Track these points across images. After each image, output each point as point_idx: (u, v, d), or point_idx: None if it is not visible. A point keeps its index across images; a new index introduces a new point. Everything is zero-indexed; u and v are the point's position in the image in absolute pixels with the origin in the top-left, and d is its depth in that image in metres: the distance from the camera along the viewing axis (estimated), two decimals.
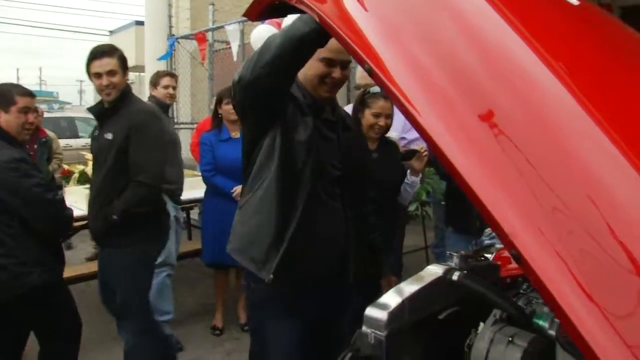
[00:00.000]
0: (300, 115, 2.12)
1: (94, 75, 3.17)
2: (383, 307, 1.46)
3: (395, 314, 1.45)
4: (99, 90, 3.19)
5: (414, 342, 1.51)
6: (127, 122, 3.13)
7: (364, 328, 1.46)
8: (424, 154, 3.34)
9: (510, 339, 1.33)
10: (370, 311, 1.46)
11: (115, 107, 3.20)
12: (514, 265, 2.12)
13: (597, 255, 0.92)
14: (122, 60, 3.24)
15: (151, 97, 4.60)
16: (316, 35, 1.78)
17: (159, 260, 4.17)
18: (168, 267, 4.26)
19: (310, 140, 2.10)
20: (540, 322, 1.47)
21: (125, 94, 3.23)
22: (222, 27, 7.67)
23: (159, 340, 3.53)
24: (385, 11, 1.32)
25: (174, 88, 4.66)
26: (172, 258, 4.33)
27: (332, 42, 1.83)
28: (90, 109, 3.48)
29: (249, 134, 2.19)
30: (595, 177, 0.97)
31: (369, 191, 2.53)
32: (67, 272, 3.65)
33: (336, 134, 2.24)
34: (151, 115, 3.34)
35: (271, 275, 2.07)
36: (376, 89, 3.26)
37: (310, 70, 2.11)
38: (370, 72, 1.14)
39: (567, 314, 0.89)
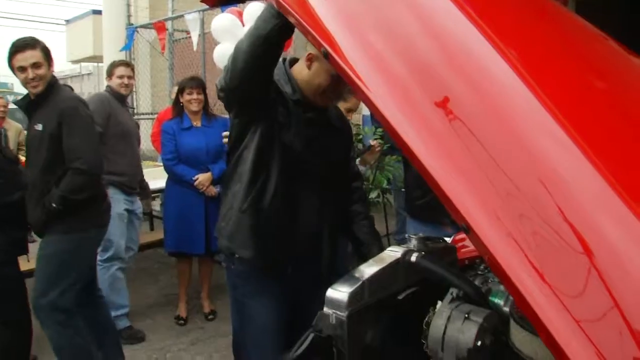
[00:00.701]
0: (284, 110, 2.16)
1: (18, 69, 3.12)
2: (344, 288, 1.49)
3: (356, 295, 1.48)
4: (25, 83, 3.14)
5: (375, 321, 1.54)
6: (57, 111, 3.10)
7: (325, 309, 1.49)
8: (377, 149, 3.42)
9: (466, 315, 1.37)
10: (331, 292, 1.49)
11: (42, 99, 3.16)
12: (471, 247, 2.19)
13: (546, 234, 0.96)
14: (46, 51, 3.19)
15: (107, 87, 4.52)
16: (279, 30, 1.82)
17: (108, 254, 4.19)
18: (118, 261, 4.28)
19: (289, 135, 2.15)
20: (496, 300, 1.53)
21: (52, 85, 3.19)
22: (181, 16, 7.60)
23: (80, 337, 3.33)
24: None
25: (130, 78, 4.55)
26: (122, 251, 4.32)
27: None
28: (16, 103, 3.44)
29: (236, 125, 2.22)
30: (546, 162, 1.01)
31: (353, 184, 2.56)
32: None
33: (320, 131, 2.26)
34: (79, 102, 3.30)
35: (247, 252, 2.17)
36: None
37: (317, 78, 2.15)
38: (327, 55, 1.16)
39: (519, 289, 0.93)
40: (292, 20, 1.38)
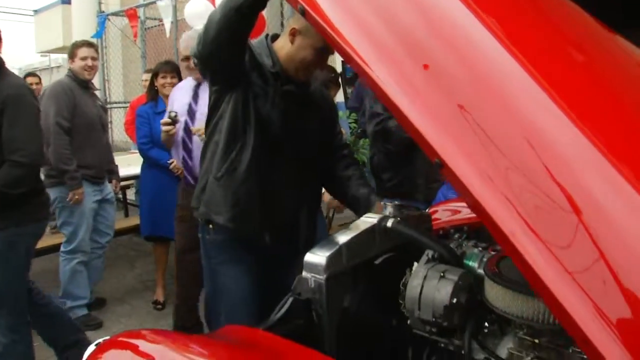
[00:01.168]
0: (262, 82, 2.17)
1: None
2: (322, 252, 1.52)
3: (334, 259, 1.51)
4: None
5: (353, 285, 1.57)
6: (0, 97, 2.84)
7: (304, 273, 1.52)
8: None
9: (442, 274, 1.41)
10: (310, 257, 1.52)
11: None
12: (443, 219, 2.23)
13: (535, 191, 0.99)
14: None
15: (69, 72, 4.28)
16: (251, 1, 1.85)
17: (72, 246, 4.13)
18: (81, 254, 4.22)
19: (265, 106, 2.17)
20: (470, 263, 1.57)
21: None
22: (154, 2, 7.52)
23: (28, 344, 3.14)
24: None
25: (94, 59, 4.28)
26: (86, 245, 4.25)
27: None
28: None
29: (213, 94, 2.26)
30: (532, 122, 1.04)
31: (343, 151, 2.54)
32: None
33: (298, 107, 2.27)
34: (26, 89, 3.06)
35: (221, 218, 2.19)
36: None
37: (301, 52, 2.17)
38: (303, 12, 1.18)
39: (497, 223, 0.97)
40: None
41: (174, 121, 3.56)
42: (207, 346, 1.26)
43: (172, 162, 4.17)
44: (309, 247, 1.61)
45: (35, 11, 19.92)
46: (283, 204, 2.27)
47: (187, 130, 3.59)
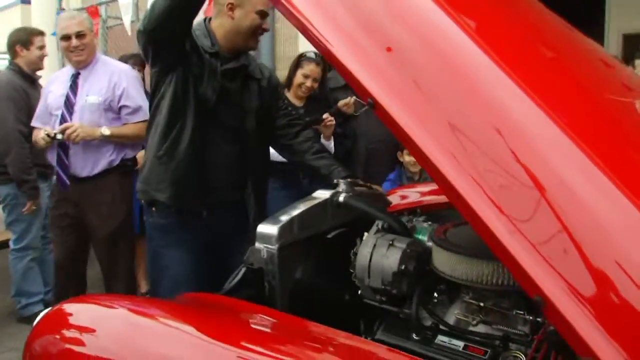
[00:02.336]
0: (200, 63, 2.19)
1: None
2: (273, 223, 1.54)
3: (285, 229, 1.53)
4: None
5: (305, 257, 1.59)
6: None
7: (256, 244, 1.54)
8: (327, 122, 3.47)
9: (390, 242, 1.44)
10: (262, 227, 1.54)
11: None
12: (401, 201, 2.28)
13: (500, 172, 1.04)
14: None
15: (12, 65, 3.93)
16: None
17: (22, 244, 3.99)
18: (32, 251, 4.06)
19: (203, 86, 2.18)
20: (420, 236, 1.61)
21: None
22: (114, 0, 7.43)
23: None
24: None
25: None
26: (37, 242, 4.10)
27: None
28: None
29: (154, 76, 2.25)
30: (499, 108, 1.08)
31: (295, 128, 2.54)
32: None
33: (239, 83, 2.31)
34: None
35: (162, 195, 2.19)
36: (311, 54, 3.54)
37: (245, 21, 2.19)
38: None
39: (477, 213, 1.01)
40: None
41: (52, 139, 3.13)
42: (169, 307, 1.26)
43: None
44: (259, 220, 1.63)
45: None
46: (225, 180, 2.28)
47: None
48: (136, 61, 4.30)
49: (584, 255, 0.93)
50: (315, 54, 3.65)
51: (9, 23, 16.85)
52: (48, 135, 3.11)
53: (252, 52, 2.47)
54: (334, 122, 3.47)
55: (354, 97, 3.47)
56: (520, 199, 1.00)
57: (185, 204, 2.23)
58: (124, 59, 4.38)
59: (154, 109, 2.26)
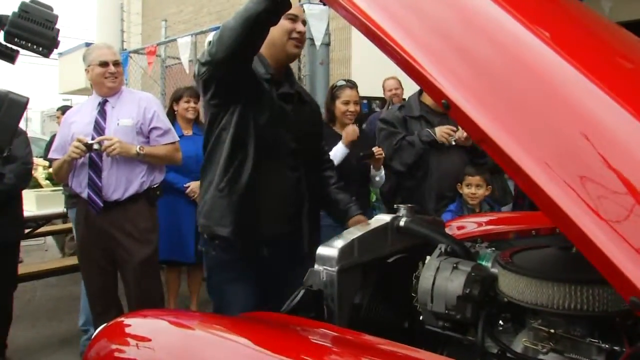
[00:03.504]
0: (259, 91, 2.22)
1: None
2: (334, 245, 1.52)
3: (345, 252, 1.51)
4: None
5: (364, 281, 1.56)
6: None
7: (316, 266, 1.51)
8: (377, 155, 3.52)
9: (455, 265, 1.39)
10: (322, 250, 1.52)
11: None
12: (460, 232, 2.22)
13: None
14: None
15: None
16: (268, 13, 1.92)
17: None
18: None
19: (264, 114, 2.21)
20: (484, 262, 1.56)
21: None
22: (174, 40, 7.68)
23: None
24: None
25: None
26: None
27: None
28: None
29: (213, 108, 2.25)
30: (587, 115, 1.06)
31: (324, 156, 2.63)
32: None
33: (292, 106, 2.34)
34: None
35: (225, 230, 2.18)
36: (341, 82, 3.69)
37: (276, 29, 2.18)
38: None
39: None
40: None
41: (88, 149, 3.09)
42: (226, 321, 1.25)
43: (189, 186, 4.20)
44: (314, 245, 1.62)
45: (60, 54, 20.39)
46: (283, 211, 2.28)
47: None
48: (190, 94, 4.42)
49: None
50: (345, 80, 3.83)
51: (74, 64, 17.67)
52: (84, 144, 3.08)
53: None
54: (383, 154, 3.51)
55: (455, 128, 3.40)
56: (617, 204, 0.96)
57: (248, 238, 2.22)
58: (180, 92, 4.52)
59: (213, 141, 2.26)
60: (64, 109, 7.08)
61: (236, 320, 1.36)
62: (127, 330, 1.25)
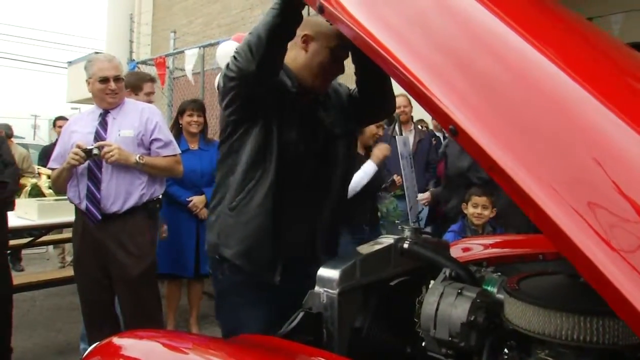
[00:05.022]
0: (284, 105, 2.08)
1: None
2: (335, 267, 1.48)
3: (347, 273, 1.47)
4: None
5: (365, 304, 1.52)
6: None
7: (316, 288, 1.48)
8: (398, 183, 4.10)
9: (459, 291, 1.35)
10: (323, 271, 1.48)
11: None
12: (465, 254, 2.18)
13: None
14: None
15: None
16: (291, 14, 1.85)
17: None
18: None
19: (290, 131, 2.08)
20: (489, 288, 1.52)
21: None
22: (182, 51, 7.69)
23: None
24: None
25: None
26: None
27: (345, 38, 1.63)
28: None
29: (232, 124, 2.13)
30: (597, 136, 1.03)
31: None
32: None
33: (320, 116, 2.20)
34: None
35: (231, 252, 2.07)
36: None
37: (317, 57, 2.09)
38: (322, 10, 1.19)
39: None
40: None
41: (87, 155, 3.05)
42: (220, 345, 1.21)
43: (192, 200, 4.18)
44: None
45: (69, 63, 20.49)
46: (299, 234, 2.15)
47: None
48: (194, 107, 4.40)
49: None
50: None
51: (82, 73, 17.75)
52: (83, 150, 3.03)
53: None
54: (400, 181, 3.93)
55: None
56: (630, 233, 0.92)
57: (254, 263, 2.08)
58: (185, 104, 4.50)
59: (231, 158, 2.13)
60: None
61: (230, 344, 1.32)
62: (120, 351, 1.21)
